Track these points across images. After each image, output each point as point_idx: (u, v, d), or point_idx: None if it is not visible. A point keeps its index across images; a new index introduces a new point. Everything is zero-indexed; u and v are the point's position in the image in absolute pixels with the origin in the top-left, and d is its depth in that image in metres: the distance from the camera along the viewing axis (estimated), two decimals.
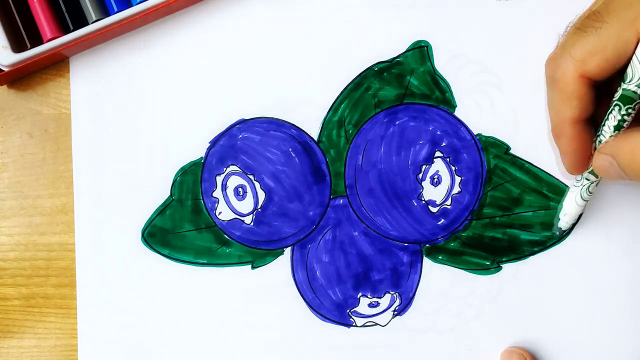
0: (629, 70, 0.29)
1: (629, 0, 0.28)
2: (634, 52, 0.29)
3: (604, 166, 0.30)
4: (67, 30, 0.38)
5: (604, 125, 0.31)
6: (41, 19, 0.37)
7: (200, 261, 0.38)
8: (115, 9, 0.37)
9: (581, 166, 0.32)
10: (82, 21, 0.38)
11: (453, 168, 0.38)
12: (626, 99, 0.30)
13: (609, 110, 0.31)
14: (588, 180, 0.33)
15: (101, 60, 0.39)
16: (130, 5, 0.38)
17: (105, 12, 0.38)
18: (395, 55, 0.38)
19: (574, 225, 0.37)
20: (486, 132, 0.38)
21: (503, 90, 0.38)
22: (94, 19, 0.37)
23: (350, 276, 0.38)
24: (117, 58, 0.39)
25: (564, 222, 0.36)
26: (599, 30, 0.28)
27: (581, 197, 0.34)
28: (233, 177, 0.39)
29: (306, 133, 0.39)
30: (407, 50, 0.38)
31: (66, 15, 0.38)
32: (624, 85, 0.30)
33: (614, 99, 0.31)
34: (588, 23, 0.29)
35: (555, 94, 0.31)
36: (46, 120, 0.39)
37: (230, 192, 0.39)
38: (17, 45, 0.38)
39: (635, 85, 0.29)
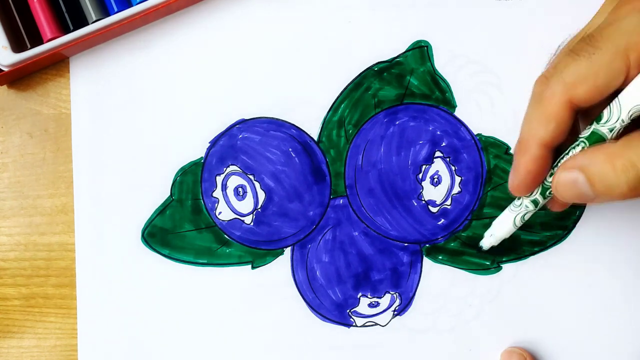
0: (605, 111, 0.28)
1: (624, 28, 0.27)
2: (621, 85, 0.28)
3: (568, 183, 0.29)
4: (67, 30, 0.38)
5: (562, 159, 0.30)
6: (41, 19, 0.37)
7: (200, 261, 0.38)
8: (115, 9, 0.37)
9: (528, 189, 0.31)
10: (82, 21, 0.38)
11: (453, 168, 0.38)
12: (594, 139, 0.29)
13: (573, 146, 0.30)
14: (527, 207, 0.32)
15: (101, 60, 0.39)
16: (130, 5, 0.38)
17: (105, 12, 0.38)
18: (395, 55, 0.38)
19: (493, 247, 0.36)
20: (486, 132, 0.38)
21: (503, 90, 0.38)
22: (94, 19, 0.37)
23: (350, 276, 0.38)
24: (117, 58, 0.39)
25: (487, 242, 0.35)
26: (592, 57, 0.28)
27: (514, 223, 0.33)
28: (233, 177, 0.39)
29: (306, 133, 0.39)
30: (407, 50, 0.38)
31: (66, 15, 0.38)
32: (595, 125, 0.29)
33: (581, 136, 0.29)
34: (582, 47, 0.28)
35: (536, 111, 0.30)
36: (46, 120, 0.39)
37: (230, 192, 0.39)
38: (17, 45, 0.38)
39: (608, 129, 0.28)
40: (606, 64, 0.27)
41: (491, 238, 0.35)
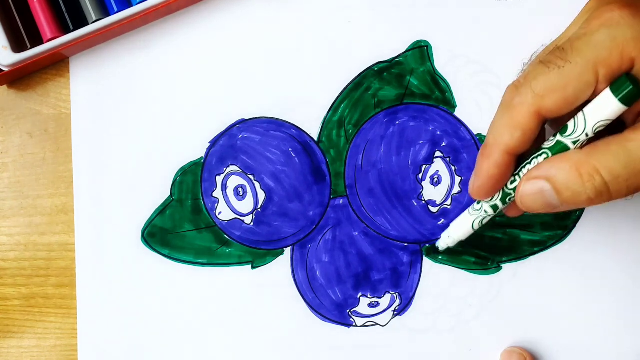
0: (570, 123, 0.29)
1: (594, 42, 0.27)
2: (590, 98, 0.28)
3: (534, 193, 0.29)
4: (67, 30, 0.38)
5: (523, 167, 0.30)
6: (41, 19, 0.37)
7: (200, 261, 0.38)
8: (115, 9, 0.37)
9: (488, 194, 0.32)
10: (82, 21, 0.38)
11: (453, 168, 0.38)
12: (558, 150, 0.29)
13: (536, 155, 0.30)
14: (486, 212, 0.32)
15: (101, 60, 0.39)
16: (130, 5, 0.38)
17: (105, 12, 0.38)
18: (395, 55, 0.38)
19: (449, 248, 0.36)
20: (486, 132, 0.38)
21: (503, 90, 0.38)
22: (94, 18, 0.37)
23: (350, 276, 0.38)
24: (117, 58, 0.39)
25: (444, 243, 0.36)
26: (562, 69, 0.28)
27: (472, 227, 0.34)
28: (233, 177, 0.39)
29: (306, 133, 0.39)
30: (407, 50, 0.38)
31: (66, 15, 0.38)
32: (559, 137, 0.29)
33: (544, 146, 0.30)
34: (552, 59, 0.28)
35: (504, 118, 0.30)
36: (46, 120, 0.39)
37: (230, 192, 0.39)
38: (17, 45, 0.38)
39: (572, 141, 0.29)
40: (576, 77, 0.28)
41: (448, 240, 0.35)
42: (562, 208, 0.29)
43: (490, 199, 0.32)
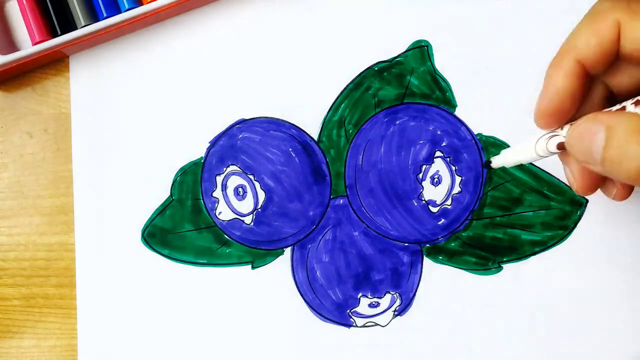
0: None
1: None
2: None
3: (584, 130, 0.24)
4: (55, 35, 0.38)
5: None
6: (30, 23, 0.37)
7: (200, 261, 0.38)
8: (105, 14, 0.37)
9: (553, 117, 0.27)
10: (70, 26, 0.37)
11: (453, 168, 0.38)
12: None
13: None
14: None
15: (101, 60, 0.39)
16: (119, 10, 0.37)
17: (95, 17, 0.38)
18: (395, 55, 0.38)
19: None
20: (486, 132, 0.38)
21: (503, 90, 0.38)
22: (83, 24, 0.37)
23: (350, 276, 0.38)
24: (117, 58, 0.39)
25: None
26: None
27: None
28: (233, 177, 0.39)
29: (306, 133, 0.38)
30: (407, 50, 0.38)
31: (54, 19, 0.37)
32: None
33: None
34: None
35: (583, 22, 0.26)
36: (46, 120, 0.39)
37: (230, 192, 0.39)
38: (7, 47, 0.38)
39: None
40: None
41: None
42: (597, 168, 0.24)
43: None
